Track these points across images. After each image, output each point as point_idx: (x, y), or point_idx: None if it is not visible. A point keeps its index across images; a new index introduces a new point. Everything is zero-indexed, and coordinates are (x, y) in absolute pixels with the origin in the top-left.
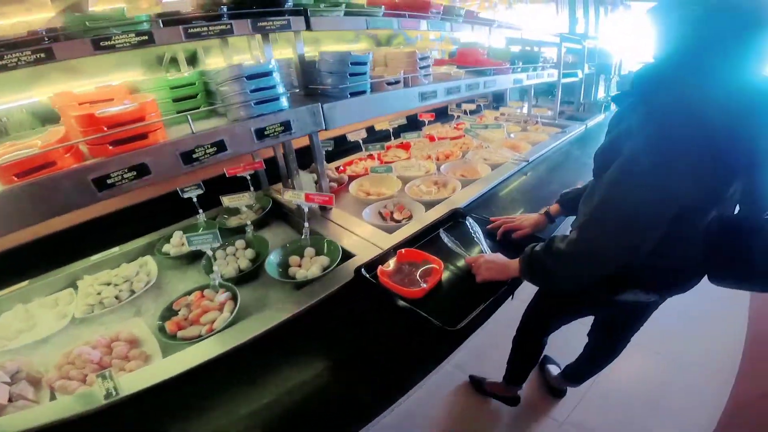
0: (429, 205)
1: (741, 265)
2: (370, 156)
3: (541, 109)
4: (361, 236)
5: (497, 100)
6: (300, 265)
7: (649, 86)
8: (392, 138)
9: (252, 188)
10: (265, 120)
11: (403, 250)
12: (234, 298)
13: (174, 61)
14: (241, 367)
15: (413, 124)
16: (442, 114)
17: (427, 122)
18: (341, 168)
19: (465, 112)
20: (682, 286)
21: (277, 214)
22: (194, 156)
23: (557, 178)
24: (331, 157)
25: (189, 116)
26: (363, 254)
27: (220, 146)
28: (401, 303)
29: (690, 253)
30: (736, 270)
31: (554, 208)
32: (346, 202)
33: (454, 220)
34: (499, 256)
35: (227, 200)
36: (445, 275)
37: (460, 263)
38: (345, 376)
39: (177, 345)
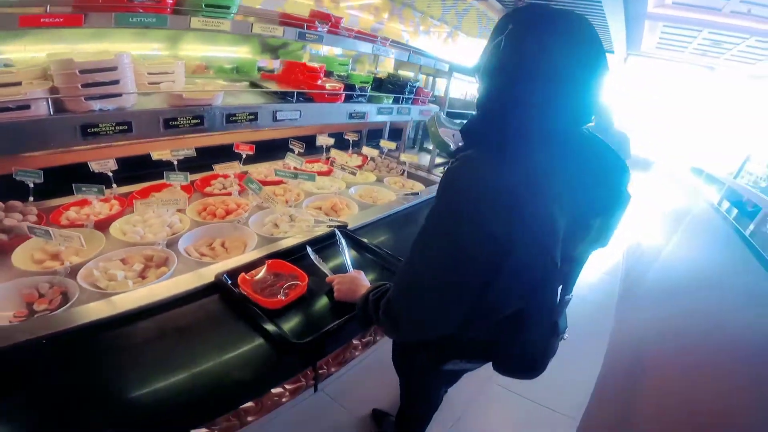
0: None
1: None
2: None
3: (413, 156)
4: None
5: (376, 135)
6: None
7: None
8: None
9: None
10: None
11: (270, 260)
12: None
13: None
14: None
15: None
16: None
17: (244, 155)
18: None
19: (299, 148)
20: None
21: None
22: None
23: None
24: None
25: None
26: None
27: None
28: (256, 312)
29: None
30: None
31: None
32: None
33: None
34: (355, 278)
35: None
36: (310, 292)
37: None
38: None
39: None
